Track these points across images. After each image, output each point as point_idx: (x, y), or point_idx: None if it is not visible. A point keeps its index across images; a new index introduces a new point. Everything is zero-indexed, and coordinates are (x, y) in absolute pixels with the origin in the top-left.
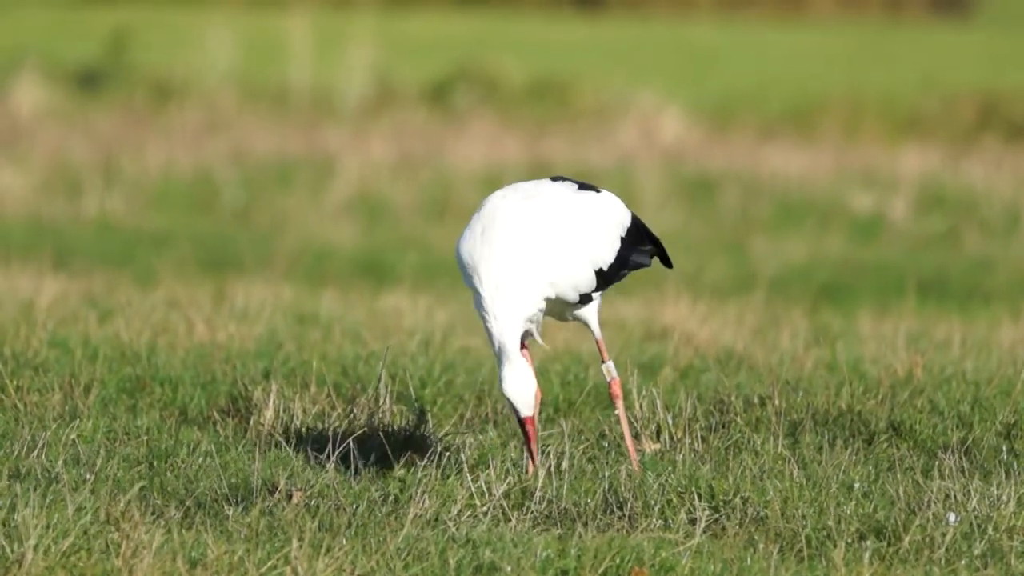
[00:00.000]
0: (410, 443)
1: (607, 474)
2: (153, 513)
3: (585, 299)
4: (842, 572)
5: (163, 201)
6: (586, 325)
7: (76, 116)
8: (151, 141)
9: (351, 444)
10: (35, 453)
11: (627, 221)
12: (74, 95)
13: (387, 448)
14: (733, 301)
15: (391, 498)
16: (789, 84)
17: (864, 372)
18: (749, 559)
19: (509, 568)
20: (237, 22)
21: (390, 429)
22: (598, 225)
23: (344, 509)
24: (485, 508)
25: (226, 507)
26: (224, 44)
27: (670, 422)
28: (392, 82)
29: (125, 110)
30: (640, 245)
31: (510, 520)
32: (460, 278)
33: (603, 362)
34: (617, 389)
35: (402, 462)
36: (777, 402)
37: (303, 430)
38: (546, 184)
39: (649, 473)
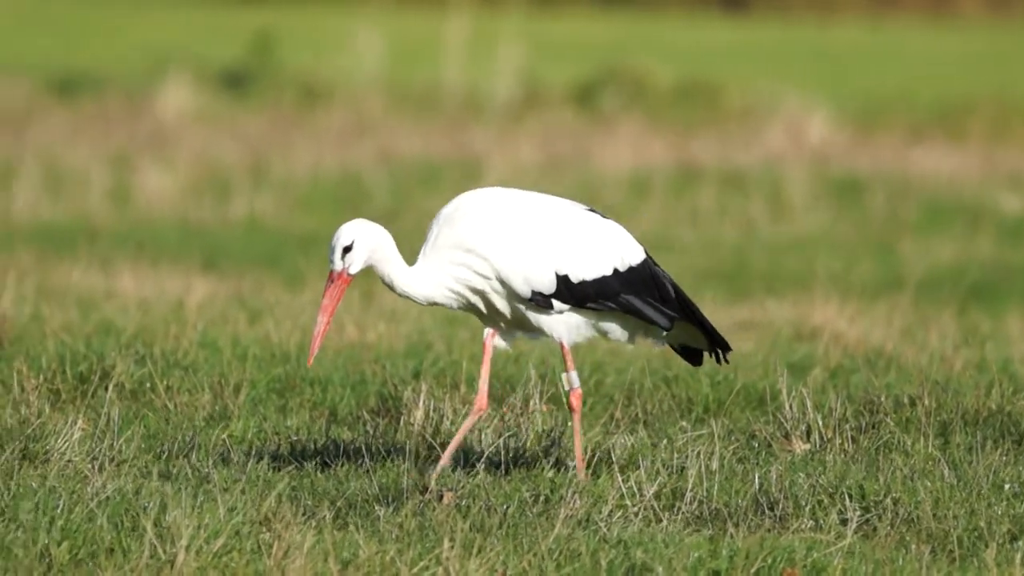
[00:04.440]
0: (560, 443)
1: (757, 474)
2: (304, 513)
3: (544, 303)
4: (994, 573)
5: (311, 202)
6: (550, 337)
7: (223, 118)
8: (299, 142)
9: (501, 444)
10: (186, 453)
11: (631, 260)
12: (221, 97)
13: (538, 448)
14: (882, 302)
15: (542, 498)
16: (936, 86)
17: (1013, 372)
18: (901, 560)
19: (661, 569)
20: (384, 23)
21: (540, 429)
22: (581, 237)
23: (495, 509)
24: (636, 508)
25: (377, 507)
26: (371, 45)
27: (820, 422)
28: (539, 83)
29: (273, 111)
30: (648, 296)
31: (661, 520)
32: None
33: (566, 371)
34: (576, 402)
35: (552, 462)
36: (927, 402)
37: (453, 430)
38: (556, 198)
39: (800, 473)
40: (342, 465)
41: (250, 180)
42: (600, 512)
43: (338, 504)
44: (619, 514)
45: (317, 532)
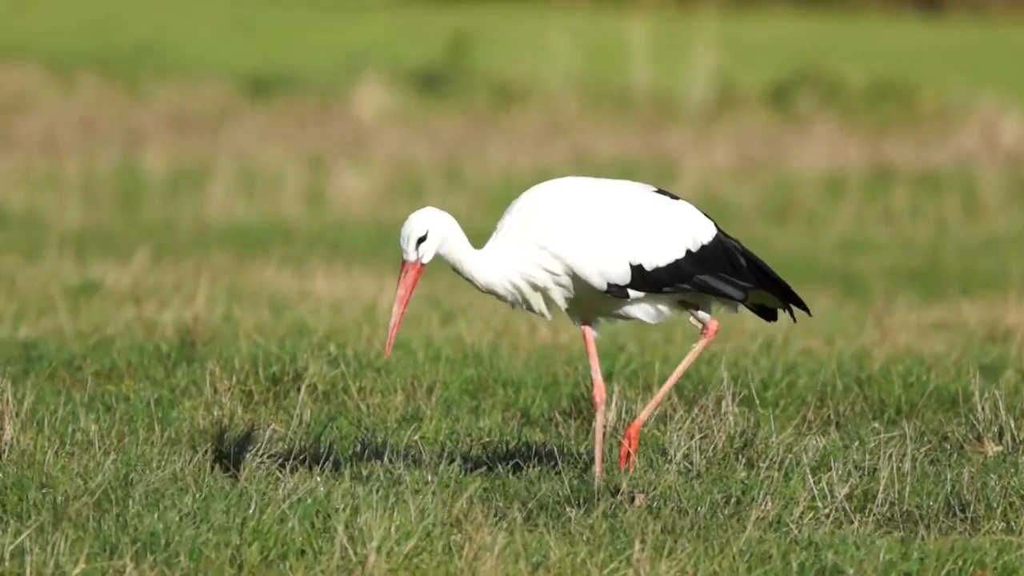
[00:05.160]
0: (752, 445)
1: (949, 476)
2: (496, 515)
3: (620, 293)
4: None
5: (505, 203)
6: (633, 320)
7: (417, 119)
8: (493, 143)
9: (693, 446)
10: (377, 455)
11: (703, 238)
12: (415, 98)
13: (729, 450)
14: None
15: (733, 500)
16: None
17: None
18: None
19: (851, 571)
20: (578, 25)
21: (731, 431)
22: (652, 223)
23: (686, 511)
24: (827, 510)
25: (568, 509)
26: (565, 47)
27: (1012, 424)
28: (734, 85)
29: (466, 113)
30: (721, 271)
31: (852, 522)
32: (802, 279)
33: (591, 372)
34: (599, 397)
35: (743, 464)
36: None
37: (645, 431)
38: (624, 182)
39: (992, 475)
40: (534, 467)
41: (444, 181)
42: (791, 514)
43: (529, 506)
44: (810, 516)
45: (508, 534)
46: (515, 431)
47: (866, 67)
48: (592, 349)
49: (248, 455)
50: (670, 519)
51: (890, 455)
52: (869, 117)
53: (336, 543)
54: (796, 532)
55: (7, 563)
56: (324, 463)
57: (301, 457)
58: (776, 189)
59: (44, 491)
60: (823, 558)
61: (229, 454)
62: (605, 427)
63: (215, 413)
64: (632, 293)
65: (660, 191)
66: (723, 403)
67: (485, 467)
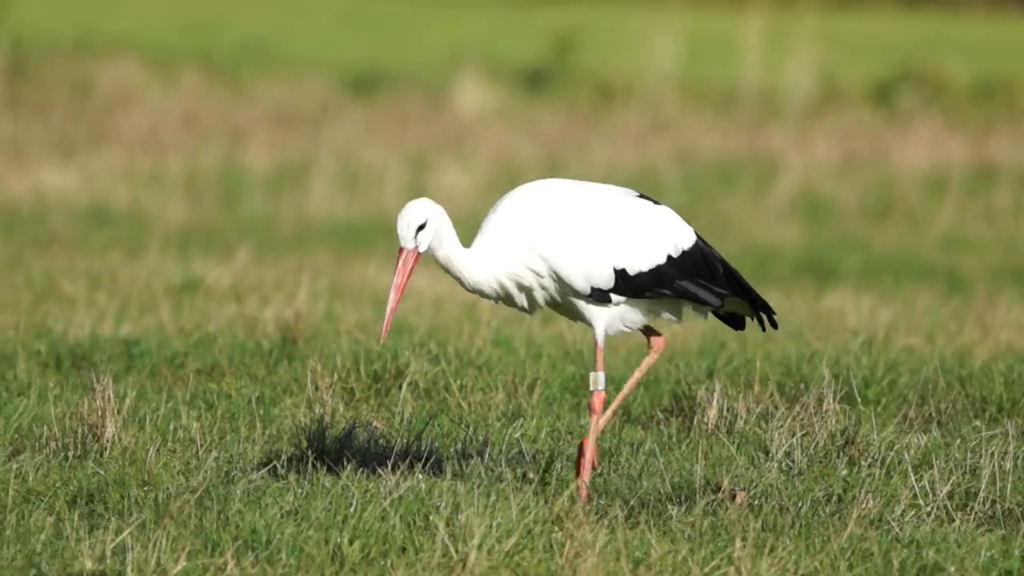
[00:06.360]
0: (853, 442)
1: None
2: (597, 513)
3: (602, 297)
4: None
5: None
6: (590, 326)
7: (519, 115)
8: (595, 141)
9: (794, 443)
10: (479, 452)
11: (684, 244)
12: (516, 94)
13: (830, 448)
14: None
15: (834, 498)
16: None
17: None
18: None
19: (952, 568)
20: (680, 23)
21: (832, 429)
22: (636, 228)
23: (787, 509)
24: (929, 508)
25: (669, 506)
26: (668, 45)
27: None
28: (836, 82)
29: (568, 110)
30: (700, 277)
31: (953, 520)
32: (904, 277)
33: (595, 371)
34: (597, 404)
35: (845, 461)
36: None
37: (746, 429)
38: (606, 185)
39: None
40: (635, 464)
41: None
42: (892, 512)
43: (630, 503)
44: (911, 514)
45: (609, 531)
46: (616, 428)
47: (969, 65)
48: (600, 355)
49: (349, 452)
50: (771, 517)
51: (991, 453)
52: (972, 115)
53: (437, 540)
54: (897, 530)
55: (108, 560)
56: (425, 461)
57: (402, 454)
58: (878, 187)
59: (146, 489)
60: (924, 556)
61: (330, 451)
62: (708, 425)
63: (316, 410)
64: (614, 298)
65: (643, 196)
66: (824, 401)
67: None
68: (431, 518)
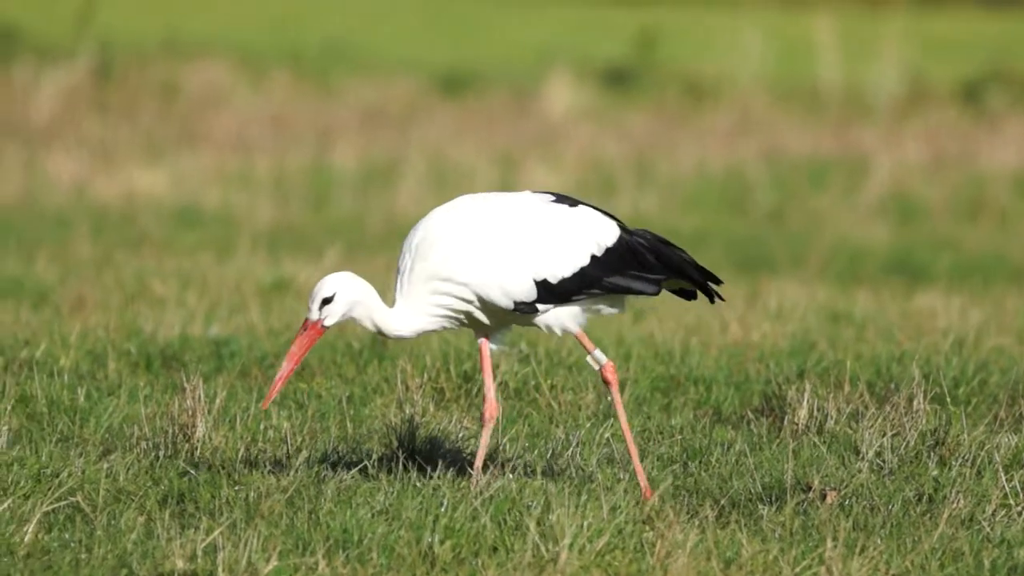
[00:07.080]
0: (944, 442)
1: None
2: (687, 512)
3: (528, 310)
4: None
5: (696, 201)
6: (551, 333)
7: (607, 115)
8: (683, 140)
9: (885, 443)
10: (569, 452)
11: (607, 241)
12: (604, 94)
13: (920, 448)
14: None
15: (925, 497)
16: None
17: None
18: None
19: None
20: (768, 22)
21: (923, 428)
22: (553, 235)
23: (878, 509)
24: (1020, 508)
25: (760, 506)
26: (755, 44)
27: None
28: (923, 82)
29: (656, 109)
30: (630, 270)
31: None
32: (994, 278)
33: (589, 353)
34: (611, 375)
35: (935, 461)
36: None
37: (837, 429)
38: (522, 194)
39: None
40: (725, 464)
41: (634, 178)
42: (983, 512)
43: (721, 503)
44: (1002, 513)
45: (700, 531)
46: (707, 428)
47: None
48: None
49: (440, 452)
50: (862, 516)
51: None
52: None
53: (528, 540)
54: (988, 530)
55: (200, 560)
56: (516, 460)
57: (493, 454)
58: (967, 187)
59: (236, 488)
60: (1015, 556)
61: (421, 451)
62: (798, 425)
63: (407, 410)
64: (541, 307)
65: (559, 198)
66: (915, 401)
67: (677, 464)
68: (522, 518)
